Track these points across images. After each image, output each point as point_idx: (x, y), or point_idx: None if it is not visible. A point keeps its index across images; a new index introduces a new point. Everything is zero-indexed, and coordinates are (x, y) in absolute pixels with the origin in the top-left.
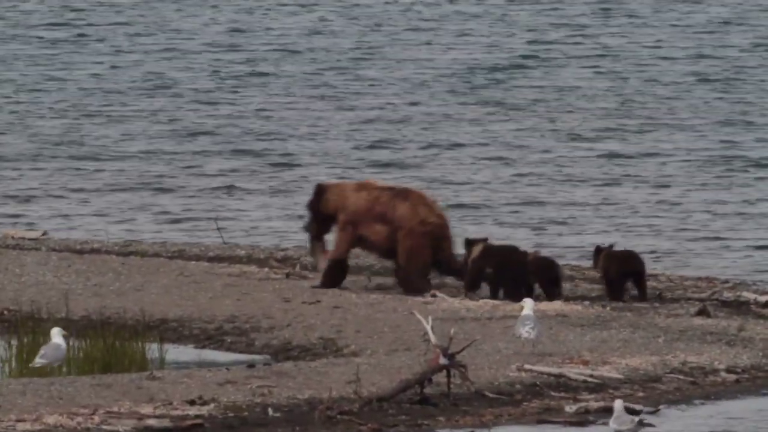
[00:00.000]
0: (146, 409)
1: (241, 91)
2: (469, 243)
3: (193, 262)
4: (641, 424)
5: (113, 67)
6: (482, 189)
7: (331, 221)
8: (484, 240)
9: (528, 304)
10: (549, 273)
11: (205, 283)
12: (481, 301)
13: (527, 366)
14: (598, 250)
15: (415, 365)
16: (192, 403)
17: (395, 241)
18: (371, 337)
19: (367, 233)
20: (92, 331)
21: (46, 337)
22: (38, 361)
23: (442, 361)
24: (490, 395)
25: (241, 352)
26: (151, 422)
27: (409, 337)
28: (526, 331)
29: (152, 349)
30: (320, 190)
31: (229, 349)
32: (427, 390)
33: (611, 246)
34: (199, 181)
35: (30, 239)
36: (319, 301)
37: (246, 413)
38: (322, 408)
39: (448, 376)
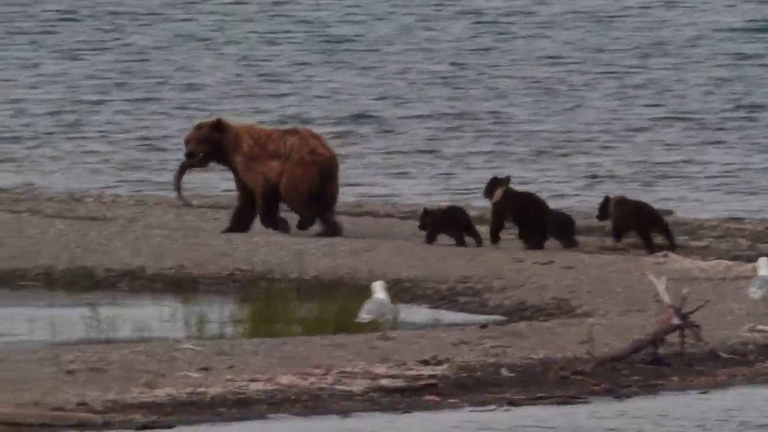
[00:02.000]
0: (380, 369)
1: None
2: (493, 183)
3: None
4: None
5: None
6: None
7: (216, 159)
8: (507, 180)
9: (764, 263)
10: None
11: (437, 243)
12: (713, 261)
13: (760, 327)
14: (607, 200)
15: (647, 326)
16: (426, 363)
17: None
18: (603, 297)
19: (263, 170)
20: (325, 291)
21: (278, 300)
22: (363, 316)
23: (676, 321)
24: (724, 355)
25: (474, 312)
26: (385, 382)
27: (642, 297)
28: (753, 291)
29: None
30: (218, 126)
31: (462, 310)
32: (661, 350)
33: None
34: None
35: None
36: (551, 262)
37: (479, 373)
38: (555, 368)
39: (682, 336)
